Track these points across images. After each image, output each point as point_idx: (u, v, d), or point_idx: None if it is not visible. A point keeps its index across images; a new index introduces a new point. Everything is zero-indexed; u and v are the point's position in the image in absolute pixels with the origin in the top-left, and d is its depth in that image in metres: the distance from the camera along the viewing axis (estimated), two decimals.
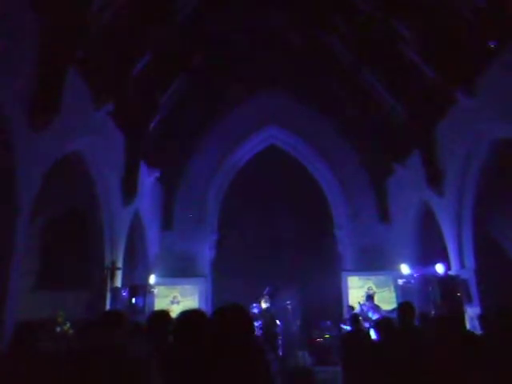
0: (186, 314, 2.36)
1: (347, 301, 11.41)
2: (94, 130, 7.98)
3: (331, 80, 11.87)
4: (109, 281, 8.68)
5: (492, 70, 7.01)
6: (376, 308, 9.33)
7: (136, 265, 11.21)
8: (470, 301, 8.43)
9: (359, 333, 6.23)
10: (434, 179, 9.44)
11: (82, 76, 7.31)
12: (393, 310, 8.12)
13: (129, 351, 2.35)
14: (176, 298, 11.56)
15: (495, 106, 7.04)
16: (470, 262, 8.74)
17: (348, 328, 9.56)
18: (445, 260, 9.38)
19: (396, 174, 11.96)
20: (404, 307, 3.99)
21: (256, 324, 8.93)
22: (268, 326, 8.97)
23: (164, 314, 3.13)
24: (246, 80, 12.37)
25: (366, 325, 8.20)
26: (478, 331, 5.05)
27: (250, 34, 11.01)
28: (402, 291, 11.21)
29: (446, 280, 9.11)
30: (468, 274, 8.65)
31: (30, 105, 5.78)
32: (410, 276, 10.78)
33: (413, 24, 8.08)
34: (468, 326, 7.56)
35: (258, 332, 8.66)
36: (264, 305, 9.35)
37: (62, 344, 5.58)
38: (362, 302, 9.87)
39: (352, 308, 10.15)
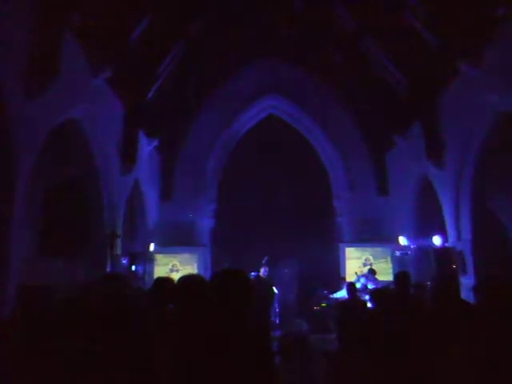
0: (186, 278, 2.39)
1: (344, 271, 11.58)
2: (91, 97, 7.84)
3: (332, 49, 11.60)
4: (108, 248, 8.76)
5: (499, 40, 6.84)
6: (375, 280, 9.47)
7: (136, 233, 11.30)
8: (465, 272, 8.53)
9: (355, 300, 6.35)
10: (435, 151, 9.39)
11: (79, 41, 7.13)
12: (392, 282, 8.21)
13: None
14: (175, 267, 11.71)
15: (500, 78, 6.90)
16: (466, 233, 8.79)
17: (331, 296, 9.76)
18: (443, 232, 9.46)
19: (396, 146, 11.89)
20: (400, 276, 4.10)
21: None
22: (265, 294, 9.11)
23: (167, 280, 3.17)
24: (246, 48, 12.08)
25: (365, 296, 8.31)
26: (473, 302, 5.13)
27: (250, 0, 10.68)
28: (398, 263, 11.37)
29: (441, 251, 9.22)
30: (464, 246, 8.72)
31: (25, 70, 5.65)
32: (407, 248, 10.89)
33: None
34: (463, 296, 7.66)
35: None
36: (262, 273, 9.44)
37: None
38: (360, 274, 9.99)
39: (344, 279, 10.27)
